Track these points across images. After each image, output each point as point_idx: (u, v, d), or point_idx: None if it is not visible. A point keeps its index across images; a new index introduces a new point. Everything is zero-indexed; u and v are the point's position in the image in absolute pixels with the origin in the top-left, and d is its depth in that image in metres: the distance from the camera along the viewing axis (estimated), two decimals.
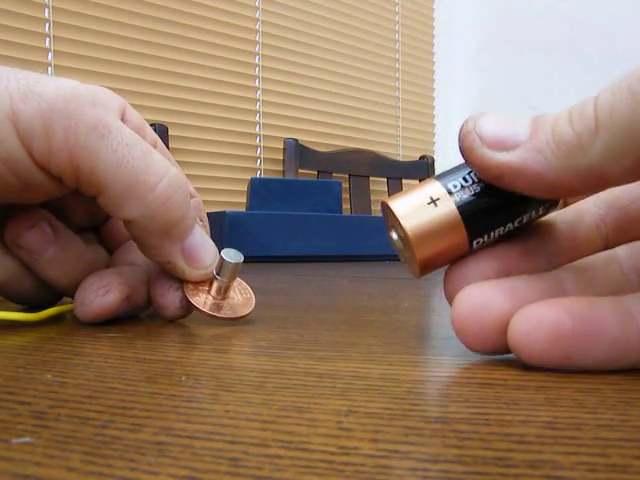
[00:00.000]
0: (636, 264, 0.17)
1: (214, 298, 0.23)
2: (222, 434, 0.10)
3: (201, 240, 0.22)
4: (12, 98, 0.18)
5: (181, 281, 0.23)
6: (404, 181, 1.67)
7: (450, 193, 0.16)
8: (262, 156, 1.47)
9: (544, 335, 0.14)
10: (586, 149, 0.14)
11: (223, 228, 0.68)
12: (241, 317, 0.23)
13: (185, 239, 0.22)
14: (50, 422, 0.11)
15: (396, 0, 1.78)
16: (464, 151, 0.16)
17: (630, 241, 0.18)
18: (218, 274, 0.23)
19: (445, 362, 0.17)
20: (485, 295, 0.16)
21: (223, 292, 0.23)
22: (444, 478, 0.09)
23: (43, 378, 0.14)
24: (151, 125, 1.11)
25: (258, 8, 1.45)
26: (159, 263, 0.22)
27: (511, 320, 0.15)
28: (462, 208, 0.16)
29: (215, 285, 0.23)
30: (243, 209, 0.98)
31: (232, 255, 0.23)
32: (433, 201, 0.16)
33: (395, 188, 1.64)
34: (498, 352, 0.16)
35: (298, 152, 1.44)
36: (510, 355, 0.17)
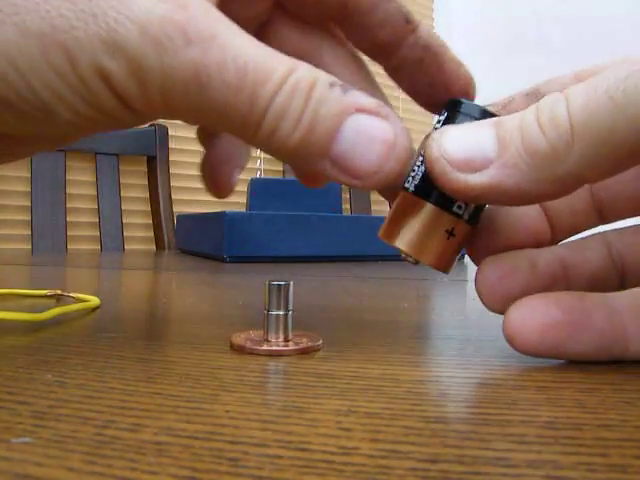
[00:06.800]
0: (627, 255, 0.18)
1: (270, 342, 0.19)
2: (222, 434, 0.10)
3: (352, 141, 0.16)
4: (96, 50, 0.15)
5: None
6: None
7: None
8: (262, 156, 1.47)
9: (536, 325, 0.15)
10: (562, 159, 0.14)
11: (223, 228, 0.68)
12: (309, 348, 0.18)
13: (329, 152, 0.16)
14: (50, 422, 0.11)
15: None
16: (435, 178, 0.15)
17: (625, 212, 0.19)
18: (268, 329, 0.18)
19: (445, 362, 0.17)
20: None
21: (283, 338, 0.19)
22: (444, 478, 0.09)
23: (43, 378, 0.14)
24: (151, 125, 1.10)
25: None
26: None
27: (506, 313, 0.16)
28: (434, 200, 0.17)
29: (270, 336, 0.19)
30: (243, 209, 0.98)
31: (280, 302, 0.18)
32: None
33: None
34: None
35: None
36: (511, 355, 0.17)
